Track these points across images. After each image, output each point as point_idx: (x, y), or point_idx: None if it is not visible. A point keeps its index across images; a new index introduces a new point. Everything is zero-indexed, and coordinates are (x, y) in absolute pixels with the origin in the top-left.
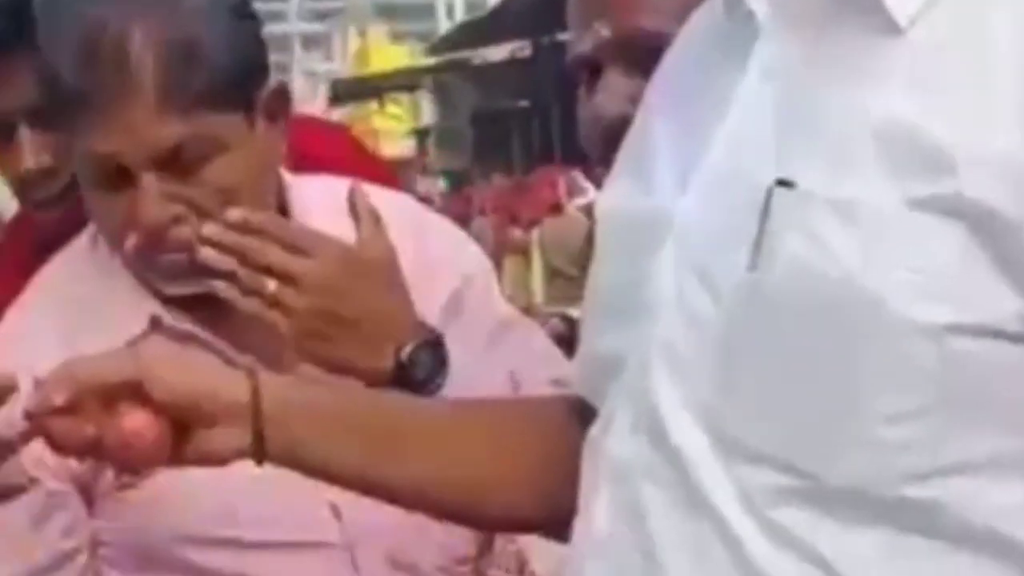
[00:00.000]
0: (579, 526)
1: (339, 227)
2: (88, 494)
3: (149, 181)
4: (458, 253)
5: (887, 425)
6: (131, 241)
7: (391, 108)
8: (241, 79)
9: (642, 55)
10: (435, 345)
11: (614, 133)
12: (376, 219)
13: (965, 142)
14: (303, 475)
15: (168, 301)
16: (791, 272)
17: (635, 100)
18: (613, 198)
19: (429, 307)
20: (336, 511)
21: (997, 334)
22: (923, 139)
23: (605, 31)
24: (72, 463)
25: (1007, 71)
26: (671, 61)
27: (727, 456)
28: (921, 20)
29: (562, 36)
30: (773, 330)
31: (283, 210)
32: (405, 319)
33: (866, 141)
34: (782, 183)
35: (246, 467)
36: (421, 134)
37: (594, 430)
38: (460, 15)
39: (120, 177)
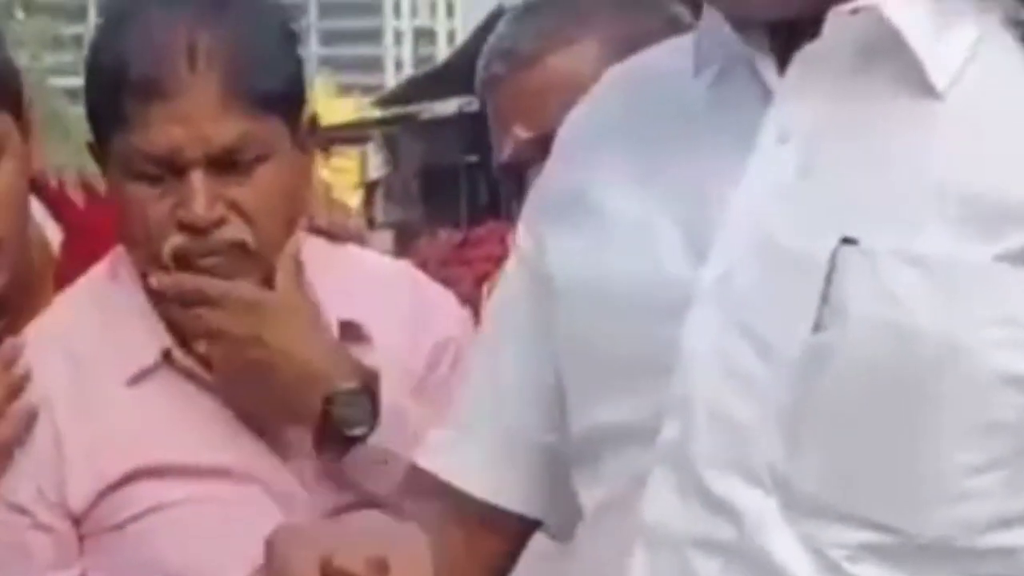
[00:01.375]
0: None
1: (329, 288)
2: (80, 529)
3: (200, 178)
4: (448, 311)
5: (971, 476)
6: (175, 239)
7: (339, 161)
8: (292, 93)
9: None
10: (364, 393)
11: None
12: (295, 270)
13: None
14: None
15: (180, 336)
16: (866, 331)
17: None
18: (577, 267)
19: (416, 358)
20: None
21: None
22: (1002, 195)
23: (524, 133)
24: (69, 499)
25: None
26: (593, 128)
27: (796, 516)
28: (952, 80)
29: None
30: (846, 388)
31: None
32: (329, 366)
33: (935, 199)
34: (847, 241)
35: (240, 510)
36: (369, 187)
37: (603, 494)
38: (408, 69)
39: (169, 172)
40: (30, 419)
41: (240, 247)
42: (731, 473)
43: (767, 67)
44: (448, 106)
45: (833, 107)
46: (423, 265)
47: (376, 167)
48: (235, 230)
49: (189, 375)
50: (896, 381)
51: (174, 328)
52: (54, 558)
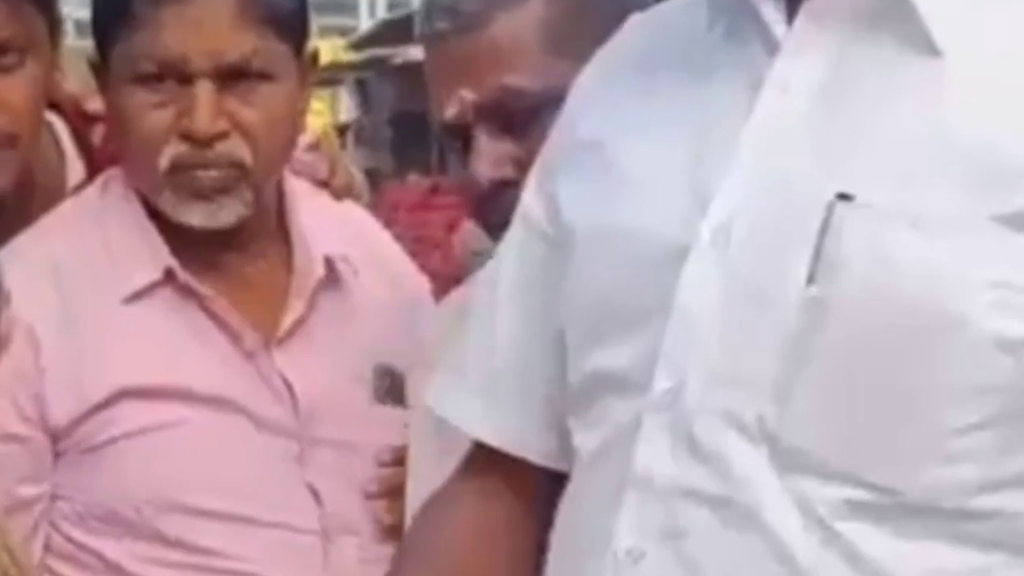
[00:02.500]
0: (581, 542)
1: (319, 228)
2: (57, 445)
3: (208, 88)
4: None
5: (960, 437)
6: (174, 147)
7: (312, 103)
8: (301, 18)
9: (509, 115)
10: None
11: (491, 197)
12: None
13: None
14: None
15: (177, 256)
16: (858, 286)
17: (507, 162)
18: (592, 216)
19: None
20: (317, 496)
21: None
22: (1002, 157)
23: (469, 95)
24: (49, 413)
25: None
26: (608, 79)
27: (785, 470)
28: (957, 41)
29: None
30: (839, 343)
31: (279, 196)
32: None
33: (935, 157)
34: (842, 196)
35: (227, 439)
36: (340, 131)
37: (594, 443)
38: (382, 12)
39: (175, 78)
40: (8, 329)
41: (238, 165)
42: (722, 424)
43: (775, 19)
44: (421, 52)
45: (837, 61)
46: (394, 209)
47: (348, 110)
48: (235, 146)
49: (185, 295)
50: (888, 340)
51: (173, 245)
52: (27, 472)
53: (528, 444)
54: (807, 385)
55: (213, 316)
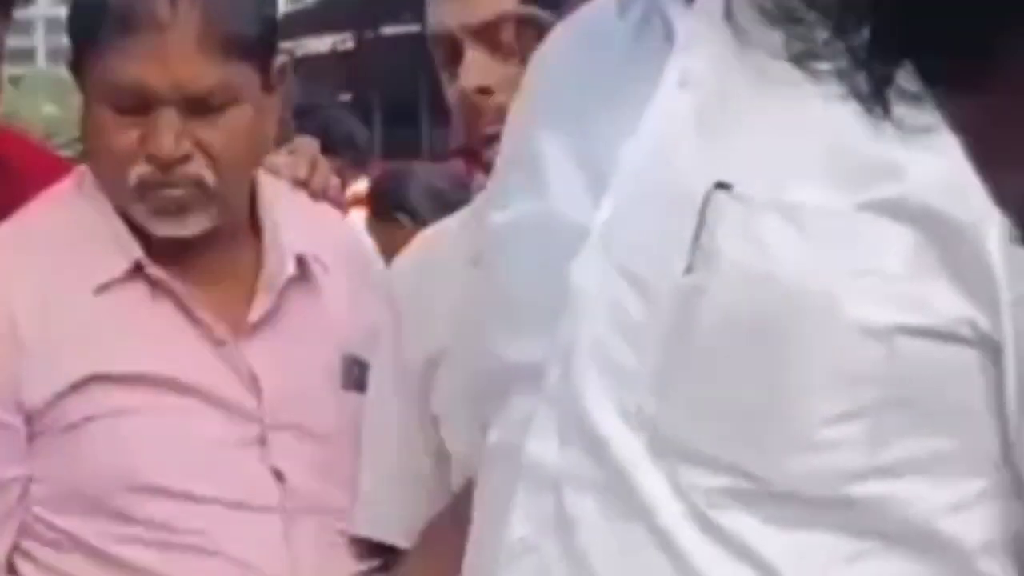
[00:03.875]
0: (484, 534)
1: (292, 227)
2: (31, 428)
3: (171, 115)
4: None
5: (827, 425)
6: (140, 168)
7: None
8: (266, 39)
9: (499, 39)
10: None
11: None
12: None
13: (911, 149)
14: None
15: (149, 249)
16: (732, 275)
17: (493, 75)
18: (506, 212)
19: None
20: (279, 476)
21: (945, 337)
22: (870, 148)
23: (464, 18)
24: (23, 396)
25: None
26: (546, 76)
27: (665, 459)
28: None
29: (386, 30)
30: (713, 332)
31: (252, 194)
32: None
33: (808, 149)
34: (720, 186)
35: (193, 423)
36: None
37: (497, 436)
38: (282, 5)
39: (141, 105)
40: None
41: (201, 184)
42: (608, 414)
43: (677, 13)
44: (322, 43)
45: (729, 56)
46: None
47: None
48: (198, 167)
49: (155, 286)
50: (759, 327)
51: (143, 239)
52: (4, 453)
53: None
54: (683, 374)
55: (183, 307)
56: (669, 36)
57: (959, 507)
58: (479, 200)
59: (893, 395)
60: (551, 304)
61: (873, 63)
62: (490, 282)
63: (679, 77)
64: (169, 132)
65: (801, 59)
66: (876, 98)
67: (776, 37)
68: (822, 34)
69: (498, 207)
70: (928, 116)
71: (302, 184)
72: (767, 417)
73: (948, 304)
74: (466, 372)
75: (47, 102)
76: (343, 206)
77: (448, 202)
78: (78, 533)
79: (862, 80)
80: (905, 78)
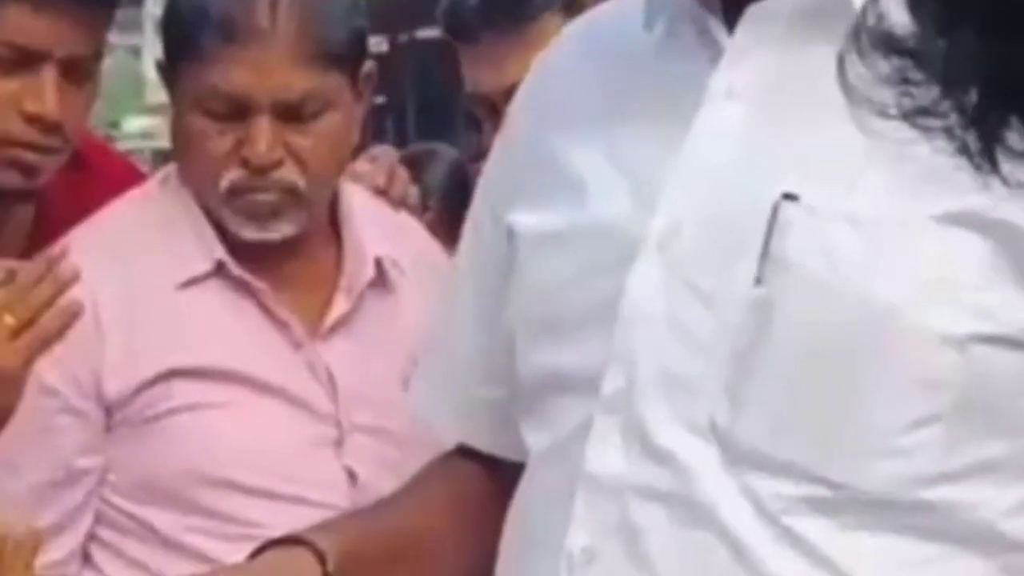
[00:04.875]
0: (535, 539)
1: (372, 232)
2: (110, 419)
3: (266, 122)
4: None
5: (907, 432)
6: (233, 173)
7: None
8: (357, 48)
9: None
10: None
11: None
12: None
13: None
14: None
15: (232, 249)
16: (806, 286)
17: None
18: (540, 217)
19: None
20: (353, 478)
21: (1017, 345)
22: (943, 159)
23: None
24: (104, 387)
25: None
26: (551, 83)
27: (738, 468)
28: None
29: (420, 33)
30: (788, 343)
31: (333, 198)
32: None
33: (874, 158)
34: (788, 197)
35: (270, 421)
36: None
37: (547, 440)
38: None
39: (236, 112)
40: (75, 313)
41: (291, 190)
42: (674, 424)
43: (716, 25)
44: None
45: (780, 64)
46: None
47: None
48: (290, 173)
49: (238, 286)
50: (834, 337)
51: (226, 240)
52: (82, 443)
53: (498, 443)
54: (757, 385)
55: (263, 307)
56: (709, 48)
57: (1022, 509)
58: (477, 221)
59: (966, 401)
60: (600, 312)
61: (983, 121)
62: (520, 289)
63: (727, 89)
64: (264, 138)
65: (911, 116)
66: (985, 155)
67: (886, 94)
68: (932, 92)
69: (522, 212)
70: None
71: (382, 192)
72: (845, 425)
73: (1020, 311)
74: (453, 362)
75: None
76: (420, 215)
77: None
78: (152, 522)
79: (972, 137)
80: (1014, 137)
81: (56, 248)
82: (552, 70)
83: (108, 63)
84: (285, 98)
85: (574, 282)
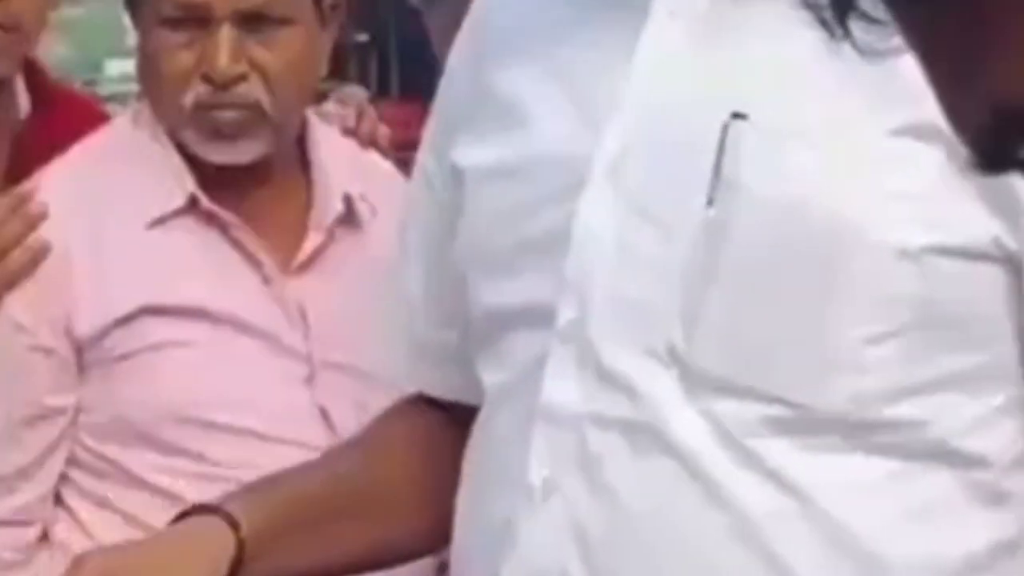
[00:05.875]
0: (493, 475)
1: (341, 169)
2: (82, 359)
3: (228, 33)
4: None
5: (867, 346)
6: (196, 89)
7: None
8: None
9: None
10: None
11: None
12: None
13: None
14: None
15: (203, 184)
16: (760, 205)
17: None
18: (482, 152)
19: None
20: (326, 416)
21: (973, 255)
22: (897, 70)
23: None
24: (75, 325)
25: None
26: (491, 17)
27: (697, 393)
28: None
29: None
30: (744, 263)
31: (302, 134)
32: None
33: (828, 75)
34: (737, 116)
35: (242, 358)
36: None
37: (501, 377)
38: None
39: (196, 21)
40: (44, 251)
41: (256, 106)
42: (630, 350)
43: None
44: None
45: None
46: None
47: None
48: (254, 89)
49: (211, 222)
50: (791, 255)
51: (197, 174)
52: (53, 381)
53: (453, 388)
54: (713, 306)
55: (234, 243)
56: None
57: (983, 423)
58: (425, 168)
59: (923, 315)
60: (550, 242)
61: None
62: (468, 225)
63: (669, 9)
64: (225, 49)
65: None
66: (839, 22)
67: None
68: None
69: (465, 147)
70: (888, 40)
71: (351, 132)
72: (805, 343)
73: (975, 222)
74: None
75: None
76: (389, 154)
77: None
78: (124, 463)
79: (826, 5)
80: (869, 4)
81: (26, 186)
82: (489, 7)
83: (88, 8)
84: (245, 6)
85: (523, 213)
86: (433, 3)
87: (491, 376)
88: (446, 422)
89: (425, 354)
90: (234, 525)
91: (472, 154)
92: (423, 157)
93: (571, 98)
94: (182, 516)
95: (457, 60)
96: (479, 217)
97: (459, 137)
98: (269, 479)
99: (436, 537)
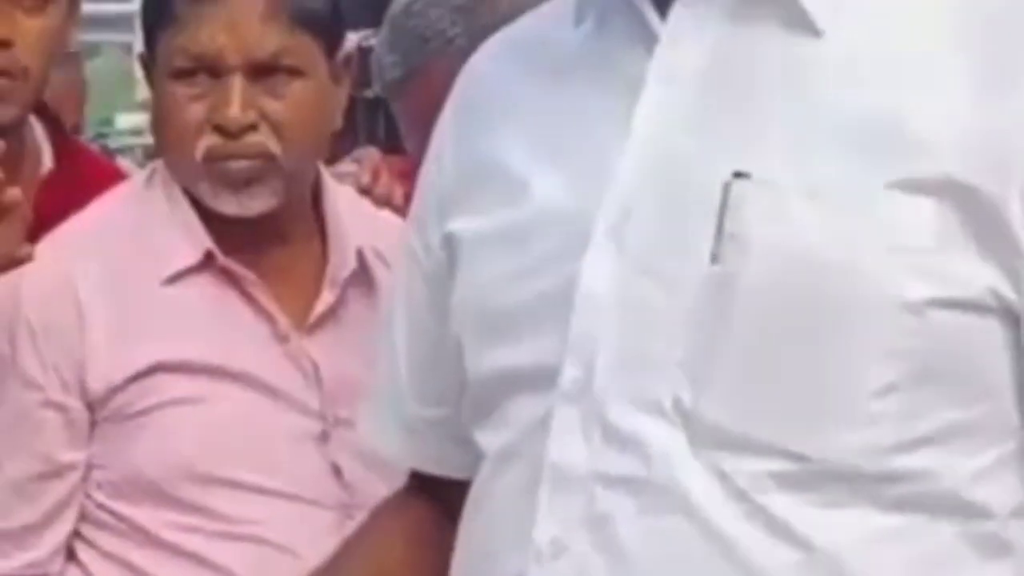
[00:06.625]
0: (498, 539)
1: (355, 226)
2: (94, 415)
3: (238, 82)
4: None
5: (873, 400)
6: (207, 139)
7: None
8: (333, 18)
9: None
10: None
11: None
12: None
13: (941, 126)
14: None
15: (219, 241)
16: (765, 259)
17: None
18: (479, 220)
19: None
20: (339, 474)
21: (973, 307)
22: (898, 126)
23: None
24: (88, 382)
25: (946, 53)
26: (476, 95)
27: (705, 448)
28: (834, 23)
29: None
30: (750, 317)
31: (316, 191)
32: None
33: (826, 132)
34: (738, 175)
35: (256, 415)
36: None
37: (504, 439)
38: None
39: (209, 76)
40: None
41: (268, 156)
42: (636, 408)
43: (649, 11)
44: (348, 41)
45: (718, 46)
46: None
47: None
48: (264, 138)
49: (226, 278)
50: (794, 310)
51: (214, 232)
52: (65, 437)
53: (446, 462)
54: (721, 362)
55: (249, 299)
56: (643, 36)
57: (987, 474)
58: (407, 227)
59: (927, 367)
60: (553, 303)
61: None
62: (466, 290)
63: (667, 73)
64: (236, 98)
65: None
66: None
67: None
68: None
69: (461, 218)
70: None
71: (366, 192)
72: (814, 396)
73: (974, 274)
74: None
75: None
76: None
77: None
78: (136, 519)
79: None
80: None
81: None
82: (479, 77)
83: (100, 61)
84: (256, 56)
85: (523, 277)
86: (399, 94)
87: (491, 439)
88: (440, 506)
89: (415, 430)
90: None
91: (469, 223)
92: (407, 239)
93: (566, 163)
94: None
95: (440, 143)
96: (477, 281)
97: (452, 211)
98: None
99: None
